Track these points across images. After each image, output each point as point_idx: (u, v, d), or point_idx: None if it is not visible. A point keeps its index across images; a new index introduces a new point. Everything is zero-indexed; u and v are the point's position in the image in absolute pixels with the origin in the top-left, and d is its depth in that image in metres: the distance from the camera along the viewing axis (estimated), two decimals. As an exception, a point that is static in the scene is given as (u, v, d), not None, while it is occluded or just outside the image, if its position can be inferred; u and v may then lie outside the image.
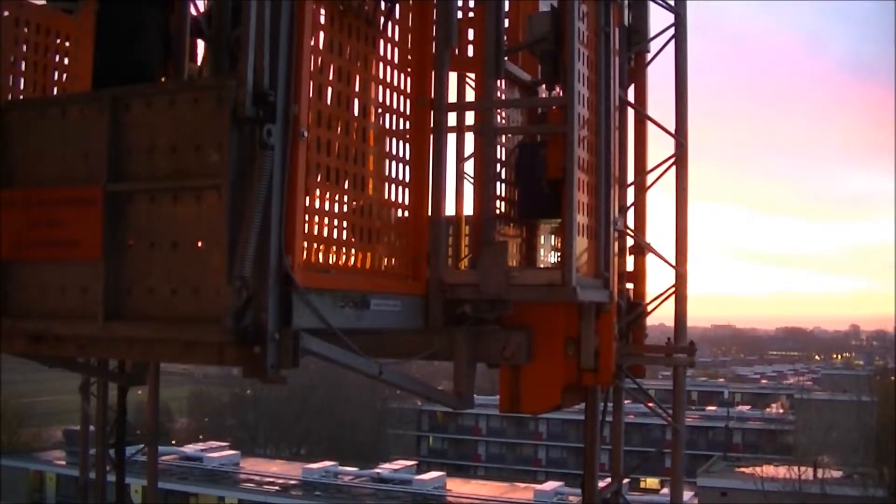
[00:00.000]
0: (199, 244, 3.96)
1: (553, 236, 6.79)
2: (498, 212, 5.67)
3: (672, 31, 6.76)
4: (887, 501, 39.08)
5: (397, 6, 4.89)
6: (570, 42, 5.02)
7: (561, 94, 5.25)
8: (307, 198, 4.07)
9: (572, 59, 5.00)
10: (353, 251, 4.56)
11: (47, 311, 4.34)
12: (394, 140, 4.91)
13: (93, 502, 9.38)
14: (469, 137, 5.55)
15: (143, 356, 5.80)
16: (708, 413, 68.62)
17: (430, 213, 5.01)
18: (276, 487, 45.54)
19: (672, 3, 6.79)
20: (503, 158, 6.05)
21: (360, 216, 4.57)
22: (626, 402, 6.82)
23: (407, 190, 4.97)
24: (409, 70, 5.01)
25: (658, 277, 6.69)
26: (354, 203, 4.55)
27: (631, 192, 6.70)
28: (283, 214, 3.84)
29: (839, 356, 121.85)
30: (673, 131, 6.74)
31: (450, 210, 5.24)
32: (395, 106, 4.90)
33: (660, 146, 6.76)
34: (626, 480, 7.37)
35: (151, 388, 8.67)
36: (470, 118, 5.54)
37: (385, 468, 49.74)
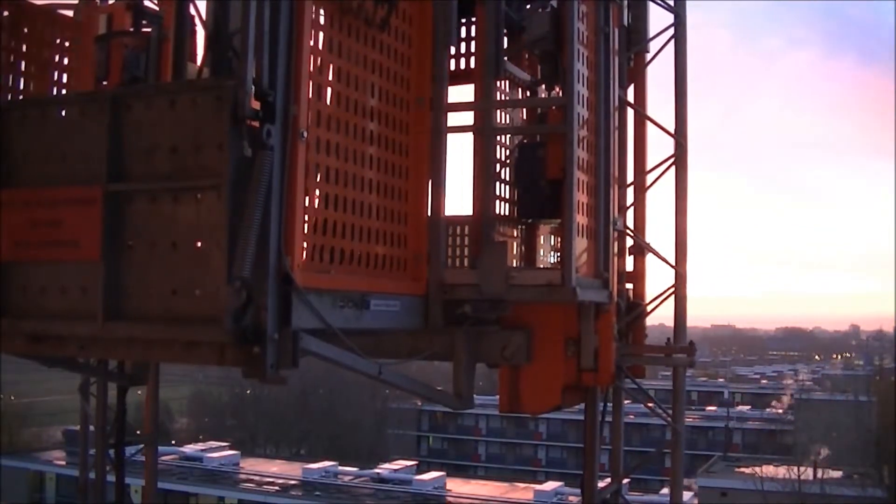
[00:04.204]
0: (199, 244, 3.96)
1: (553, 236, 6.79)
2: (498, 212, 5.67)
3: (671, 31, 6.76)
4: (887, 501, 39.09)
5: (397, 6, 4.88)
6: (570, 42, 5.01)
7: (561, 94, 5.25)
8: (307, 198, 4.07)
9: (572, 59, 5.00)
10: (352, 251, 4.56)
11: (47, 312, 4.33)
12: (393, 140, 4.90)
13: (93, 502, 9.37)
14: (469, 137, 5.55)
15: (143, 356, 5.81)
16: (708, 413, 68.60)
17: (429, 213, 5.01)
18: (276, 487, 45.49)
19: (671, 3, 6.79)
20: (503, 158, 6.05)
21: (360, 216, 4.57)
22: (625, 402, 6.82)
23: (407, 190, 4.96)
24: (408, 70, 5.01)
25: (658, 277, 6.69)
26: (354, 203, 4.54)
27: (630, 192, 6.70)
28: (282, 215, 3.84)
29: (839, 356, 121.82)
30: (672, 131, 6.74)
31: (450, 210, 5.23)
32: (394, 106, 4.90)
33: (660, 146, 6.76)
34: (625, 480, 7.37)
35: (151, 388, 8.67)
36: (470, 118, 5.54)
37: (385, 468, 49.69)
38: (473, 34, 6.19)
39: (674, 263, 6.62)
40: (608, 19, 5.48)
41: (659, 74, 6.85)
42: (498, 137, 6.30)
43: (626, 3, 6.48)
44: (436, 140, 5.05)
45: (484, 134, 5.80)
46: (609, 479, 6.74)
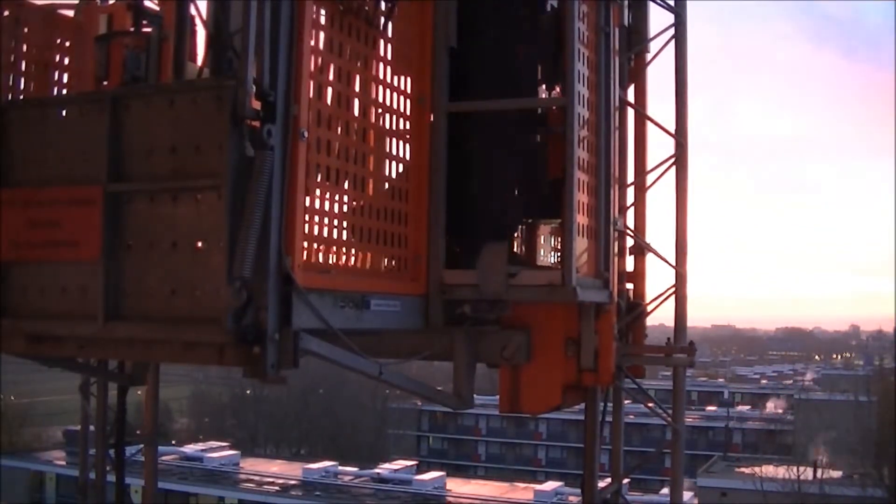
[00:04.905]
0: (199, 245, 3.96)
1: (553, 236, 6.79)
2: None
3: (672, 31, 6.76)
4: (887, 501, 39.10)
5: (397, 6, 4.88)
6: (570, 42, 5.01)
7: (561, 94, 5.24)
8: (307, 198, 4.07)
9: (572, 59, 5.00)
10: (353, 251, 4.56)
11: (47, 312, 4.33)
12: (394, 140, 4.90)
13: (93, 502, 9.38)
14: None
15: (143, 356, 5.81)
16: (708, 413, 68.63)
17: (429, 213, 5.01)
18: (276, 487, 45.51)
19: (672, 3, 6.78)
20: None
21: (360, 216, 4.57)
22: (626, 402, 6.82)
23: (407, 189, 4.96)
24: (409, 70, 5.01)
25: (658, 277, 6.69)
26: (354, 203, 4.55)
27: (631, 192, 6.70)
28: (282, 215, 3.84)
29: (839, 356, 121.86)
30: (673, 131, 6.74)
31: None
32: (395, 106, 4.90)
33: (660, 146, 6.76)
34: (626, 480, 7.37)
35: (151, 388, 8.67)
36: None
37: (385, 468, 49.72)
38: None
39: (674, 263, 6.63)
40: (608, 19, 5.47)
41: (659, 74, 6.86)
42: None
43: (626, 2, 6.48)
44: (435, 140, 5.05)
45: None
46: (609, 479, 6.74)
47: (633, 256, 6.58)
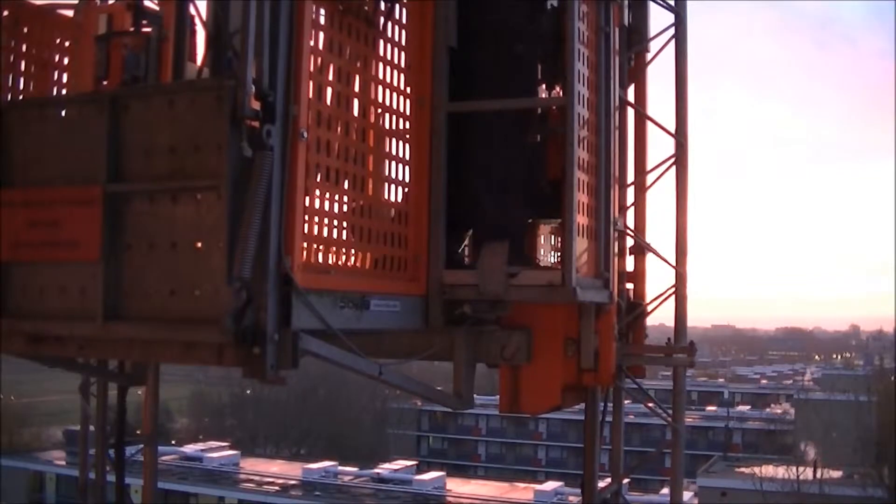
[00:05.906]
0: (199, 245, 3.96)
1: (553, 236, 6.79)
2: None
3: (672, 31, 6.75)
4: (887, 501, 39.07)
5: (397, 6, 4.88)
6: (570, 42, 5.01)
7: (561, 94, 5.24)
8: (307, 198, 4.07)
9: (572, 59, 4.99)
10: (352, 252, 4.56)
11: (47, 312, 4.33)
12: (394, 140, 4.90)
13: (93, 502, 9.37)
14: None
15: (143, 357, 5.82)
16: (708, 413, 68.65)
17: (429, 214, 5.00)
18: (276, 487, 45.54)
19: (672, 3, 6.78)
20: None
21: (359, 216, 4.57)
22: (626, 402, 6.81)
23: (407, 190, 4.96)
24: (409, 70, 5.01)
25: (658, 277, 6.68)
26: (354, 203, 4.55)
27: (631, 192, 6.69)
28: (282, 215, 3.84)
29: (839, 356, 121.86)
30: (673, 131, 6.73)
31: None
32: (395, 106, 4.90)
33: (660, 146, 6.75)
34: (625, 480, 7.36)
35: (151, 388, 8.67)
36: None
37: (385, 468, 49.74)
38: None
39: (674, 263, 6.62)
40: (609, 19, 5.47)
41: (659, 74, 6.86)
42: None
43: (626, 2, 6.47)
44: (436, 140, 5.04)
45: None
46: (609, 479, 6.74)
47: (633, 256, 6.57)
